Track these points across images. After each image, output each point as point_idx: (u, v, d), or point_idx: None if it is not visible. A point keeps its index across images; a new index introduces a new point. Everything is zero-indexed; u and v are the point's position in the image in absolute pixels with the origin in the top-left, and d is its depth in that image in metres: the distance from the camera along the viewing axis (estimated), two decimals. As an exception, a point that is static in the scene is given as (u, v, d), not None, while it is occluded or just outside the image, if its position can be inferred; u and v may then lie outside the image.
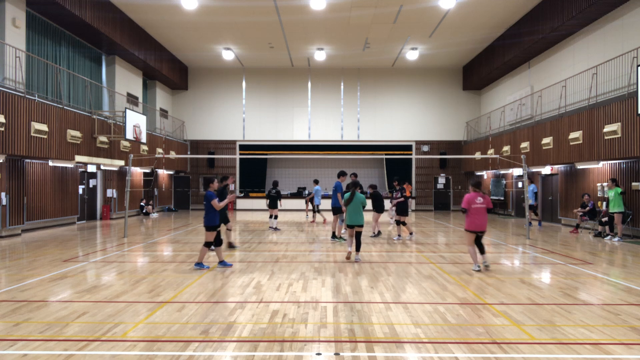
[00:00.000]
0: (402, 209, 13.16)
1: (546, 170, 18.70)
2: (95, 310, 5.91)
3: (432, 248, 11.72)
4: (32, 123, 13.04)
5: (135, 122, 17.87)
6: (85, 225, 17.24)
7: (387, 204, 19.99)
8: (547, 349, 4.60)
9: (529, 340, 4.81)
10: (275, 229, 15.97)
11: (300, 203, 25.98)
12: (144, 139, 18.77)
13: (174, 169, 25.91)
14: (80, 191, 18.24)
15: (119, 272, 8.47)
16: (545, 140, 17.03)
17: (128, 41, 19.61)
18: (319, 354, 4.45)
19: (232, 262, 9.36)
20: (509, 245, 12.37)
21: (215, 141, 27.81)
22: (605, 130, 13.48)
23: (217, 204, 8.48)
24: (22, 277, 7.95)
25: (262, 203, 25.16)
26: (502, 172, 23.44)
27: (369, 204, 11.68)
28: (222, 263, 8.90)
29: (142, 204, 22.40)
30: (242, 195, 27.13)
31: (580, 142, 14.85)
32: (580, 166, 15.71)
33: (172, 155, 20.62)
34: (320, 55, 24.62)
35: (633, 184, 13.82)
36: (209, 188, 8.77)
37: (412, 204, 26.67)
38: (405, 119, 27.72)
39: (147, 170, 23.42)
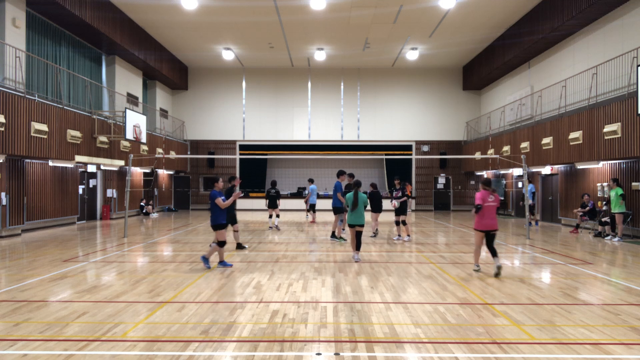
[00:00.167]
0: (402, 209, 13.10)
1: (546, 170, 18.70)
2: (95, 310, 5.91)
3: (432, 248, 11.72)
4: (32, 123, 13.04)
5: (135, 122, 17.87)
6: (85, 225, 17.24)
7: (388, 204, 19.97)
8: (547, 349, 4.60)
9: (529, 340, 4.81)
10: (277, 227, 16.00)
11: (300, 203, 25.96)
12: (144, 139, 18.77)
13: (174, 169, 25.91)
14: (80, 191, 18.24)
15: (119, 272, 8.47)
16: (545, 140, 17.03)
17: (128, 41, 19.61)
18: (319, 354, 4.45)
19: (232, 262, 9.36)
20: (509, 245, 12.37)
21: (215, 141, 27.81)
22: (605, 130, 13.48)
23: (221, 202, 8.50)
24: (22, 277, 7.95)
25: (262, 203, 25.15)
26: (502, 172, 23.45)
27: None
28: (222, 263, 8.90)
29: (142, 204, 22.40)
30: (242, 195, 27.13)
31: (580, 142, 14.85)
32: (580, 166, 15.70)
33: (172, 155, 20.62)
34: (320, 55, 24.62)
35: (633, 184, 13.82)
36: (214, 187, 8.77)
37: (412, 204, 26.68)
38: (405, 119, 27.72)
39: (147, 170, 23.42)
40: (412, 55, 24.45)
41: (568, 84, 17.07)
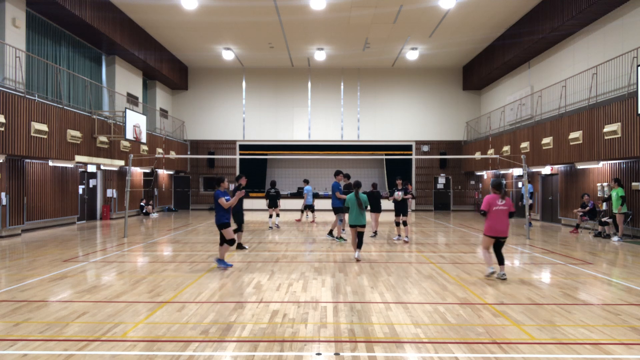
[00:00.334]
0: (403, 209, 13.01)
1: (546, 170, 18.71)
2: (95, 310, 5.91)
3: (432, 248, 11.72)
4: (32, 123, 13.05)
5: (135, 122, 17.87)
6: (85, 225, 17.24)
7: (388, 204, 19.96)
8: (547, 349, 4.60)
9: (529, 340, 4.81)
10: (277, 227, 16.06)
11: (300, 203, 25.93)
12: (144, 139, 18.77)
13: (174, 169, 25.91)
14: (80, 191, 18.24)
15: (119, 272, 8.47)
16: (545, 140, 17.03)
17: (128, 41, 19.61)
18: (319, 354, 4.45)
19: (232, 262, 9.36)
20: (508, 245, 12.36)
21: (215, 141, 27.81)
22: (605, 130, 13.48)
23: (224, 202, 8.50)
24: (22, 277, 7.95)
25: (262, 203, 25.15)
26: (502, 172, 23.45)
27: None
28: (221, 262, 8.88)
29: (142, 204, 22.40)
30: (244, 194, 27.11)
31: (580, 142, 14.85)
32: (580, 166, 15.70)
33: (172, 155, 20.62)
34: (320, 55, 24.62)
35: (633, 184, 13.82)
36: (219, 187, 8.77)
37: (412, 204, 26.67)
38: (405, 119, 27.72)
39: (147, 170, 23.42)
40: (412, 55, 24.45)
41: (568, 84, 17.07)
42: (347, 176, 13.28)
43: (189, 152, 27.59)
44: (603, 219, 13.90)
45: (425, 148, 27.63)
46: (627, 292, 6.96)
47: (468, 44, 23.19)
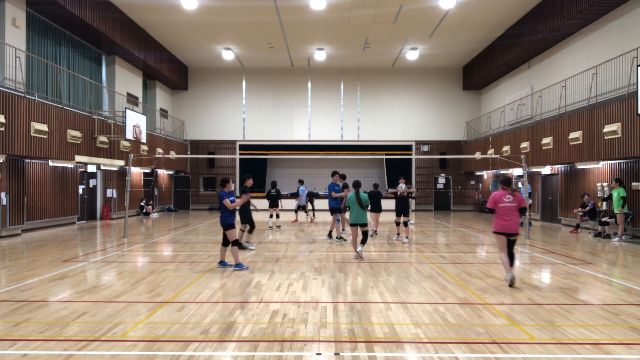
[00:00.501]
0: (404, 210, 12.96)
1: (546, 170, 18.71)
2: (95, 310, 5.91)
3: (432, 248, 11.72)
4: (32, 123, 13.05)
5: (135, 122, 17.87)
6: (85, 225, 17.24)
7: (388, 204, 19.98)
8: (547, 349, 4.59)
9: (529, 340, 4.81)
10: (277, 227, 16.15)
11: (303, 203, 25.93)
12: (144, 139, 18.77)
13: (174, 169, 25.91)
14: (80, 191, 18.24)
15: (119, 272, 8.47)
16: (545, 140, 17.03)
17: (128, 41, 19.61)
18: (319, 354, 4.45)
19: (231, 262, 9.35)
20: (509, 245, 12.35)
21: (215, 141, 27.81)
22: (605, 130, 13.48)
23: (229, 203, 8.50)
24: (22, 277, 7.95)
25: (262, 203, 25.14)
26: (502, 172, 23.43)
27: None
28: (222, 263, 8.90)
29: (142, 204, 22.40)
30: (250, 197, 27.12)
31: (580, 142, 14.85)
32: (580, 166, 15.71)
33: (172, 155, 20.62)
34: (320, 55, 24.62)
35: (633, 184, 13.82)
36: (223, 188, 8.76)
37: (412, 203, 26.67)
38: (405, 119, 27.72)
39: (147, 170, 23.42)
40: (412, 55, 24.45)
41: (568, 84, 17.07)
42: (343, 176, 13.33)
43: (189, 152, 27.59)
44: (603, 219, 13.90)
45: (425, 148, 27.63)
46: (627, 292, 6.96)
47: (468, 44, 23.19)
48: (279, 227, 16.47)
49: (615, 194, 13.03)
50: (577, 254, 10.76)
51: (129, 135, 17.23)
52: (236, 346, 4.64)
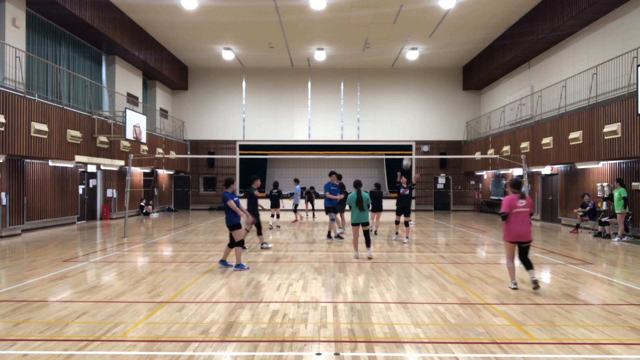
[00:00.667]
0: (405, 209, 12.93)
1: (546, 170, 18.71)
2: (95, 310, 5.91)
3: (432, 248, 11.72)
4: (32, 123, 13.04)
5: (135, 122, 17.87)
6: (85, 225, 17.24)
7: (388, 204, 19.97)
8: (547, 349, 4.59)
9: (529, 340, 4.81)
10: (278, 227, 16.27)
11: (299, 203, 25.94)
12: (144, 139, 18.77)
13: (174, 169, 25.91)
14: (80, 191, 18.24)
15: (119, 272, 8.47)
16: (545, 140, 17.03)
17: (128, 41, 19.61)
18: (319, 354, 4.45)
19: (232, 262, 9.35)
20: (509, 245, 12.35)
21: (215, 141, 27.81)
22: (605, 130, 13.48)
23: (232, 204, 8.49)
24: (22, 277, 7.95)
25: (263, 203, 25.15)
26: (502, 172, 23.45)
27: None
28: (223, 262, 8.88)
29: (142, 204, 22.40)
30: (242, 195, 27.14)
31: (580, 142, 14.85)
32: (580, 166, 15.71)
33: (172, 155, 20.62)
34: (320, 55, 24.62)
35: (633, 184, 13.82)
36: (227, 189, 8.76)
37: (412, 203, 26.65)
38: (405, 119, 27.72)
39: (147, 170, 23.42)
40: (412, 55, 24.45)
41: (568, 84, 17.07)
42: (339, 177, 13.43)
43: (189, 152, 27.59)
44: (603, 219, 13.89)
45: (425, 148, 27.63)
46: (627, 292, 6.96)
47: (468, 44, 23.19)
48: (278, 227, 16.51)
49: (616, 194, 13.01)
50: (577, 254, 10.76)
51: (129, 135, 17.23)
52: (236, 346, 4.64)
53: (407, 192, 12.80)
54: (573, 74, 16.99)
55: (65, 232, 15.13)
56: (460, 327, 5.26)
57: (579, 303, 6.33)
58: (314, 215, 21.60)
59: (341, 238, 12.88)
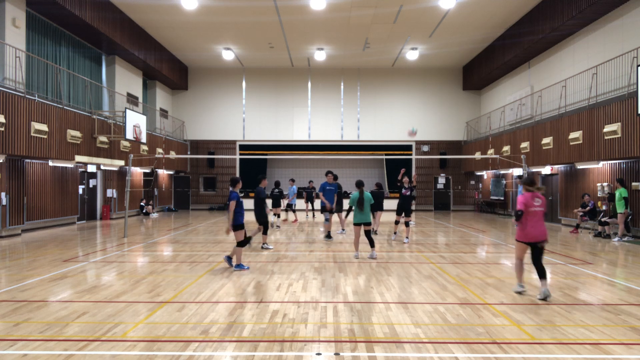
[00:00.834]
0: (406, 209, 12.93)
1: (546, 170, 18.71)
2: (95, 310, 5.91)
3: (432, 248, 11.71)
4: (32, 123, 13.05)
5: (135, 122, 17.87)
6: (85, 225, 17.24)
7: (389, 204, 19.97)
8: (547, 349, 4.59)
9: (529, 340, 4.81)
10: (277, 226, 16.30)
11: (300, 203, 25.95)
12: (144, 139, 18.77)
13: (174, 169, 25.91)
14: (80, 191, 18.24)
15: (119, 272, 8.47)
16: (545, 140, 17.03)
17: (128, 41, 19.61)
18: (319, 354, 4.45)
19: (245, 263, 9.31)
20: (509, 245, 12.37)
21: (215, 141, 27.81)
22: (605, 130, 13.48)
23: (231, 207, 8.46)
24: (22, 277, 7.95)
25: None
26: (502, 172, 23.45)
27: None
28: (229, 258, 8.82)
29: (142, 204, 22.40)
30: (242, 195, 27.15)
31: (580, 142, 14.85)
32: (580, 166, 15.71)
33: (172, 155, 20.62)
34: (320, 55, 24.62)
35: (633, 184, 13.82)
36: (234, 188, 8.74)
37: (412, 203, 26.65)
38: (405, 119, 27.71)
39: (147, 170, 23.42)
40: (412, 55, 24.45)
41: (568, 84, 17.07)
42: (336, 177, 13.52)
43: (189, 152, 27.59)
44: (603, 219, 13.89)
45: (425, 148, 27.63)
46: (627, 292, 6.96)
47: (468, 44, 23.19)
48: (278, 227, 16.52)
49: (617, 194, 13.01)
50: (577, 254, 10.76)
51: (129, 135, 17.23)
52: (236, 346, 4.64)
53: (409, 192, 12.84)
54: (573, 74, 16.99)
55: (65, 232, 15.13)
56: (460, 327, 5.26)
57: (579, 303, 6.32)
58: (314, 215, 21.58)
59: (330, 238, 12.96)
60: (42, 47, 16.20)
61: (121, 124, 18.33)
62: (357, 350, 4.51)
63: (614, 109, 13.23)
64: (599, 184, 15.39)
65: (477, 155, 20.57)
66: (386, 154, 27.03)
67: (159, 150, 22.47)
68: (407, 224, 12.73)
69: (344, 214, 12.39)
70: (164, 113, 26.23)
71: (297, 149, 27.56)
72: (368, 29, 21.02)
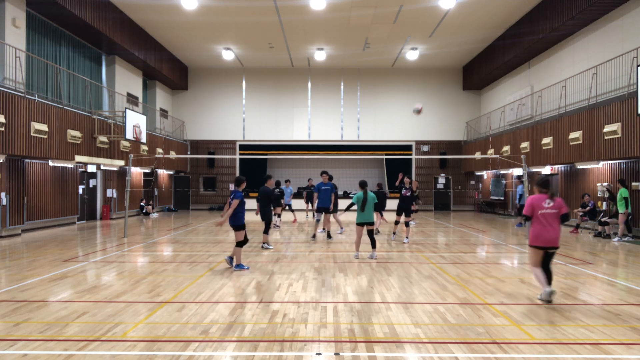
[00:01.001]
0: (407, 210, 12.94)
1: (546, 170, 18.70)
2: (95, 310, 5.90)
3: (432, 248, 11.71)
4: (32, 123, 13.04)
5: (135, 122, 17.87)
6: (85, 225, 17.24)
7: (390, 204, 19.95)
8: (547, 349, 4.59)
9: (529, 340, 4.81)
10: (277, 226, 16.31)
11: (300, 203, 25.95)
12: (144, 139, 18.77)
13: (174, 169, 25.91)
14: (80, 191, 18.24)
15: (119, 272, 8.47)
16: (545, 140, 17.03)
17: (128, 41, 19.61)
18: (319, 354, 4.45)
19: (243, 263, 9.31)
20: (509, 245, 12.37)
21: (215, 141, 27.81)
22: (605, 130, 13.48)
23: (233, 205, 8.46)
24: (22, 277, 7.95)
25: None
26: (502, 172, 23.45)
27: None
28: (230, 259, 8.82)
29: (142, 204, 22.40)
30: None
31: (580, 142, 14.85)
32: (580, 166, 15.70)
33: (172, 155, 20.62)
34: (320, 55, 24.62)
35: (633, 184, 13.82)
36: (238, 188, 8.73)
37: (413, 204, 26.64)
38: (405, 119, 27.72)
39: (147, 170, 23.42)
40: (412, 55, 24.45)
41: (568, 84, 17.07)
42: (330, 177, 13.58)
43: (189, 152, 27.59)
44: (603, 219, 13.89)
45: (425, 148, 27.63)
46: (627, 292, 6.96)
47: (468, 44, 23.19)
48: (278, 227, 16.53)
49: (618, 194, 12.99)
50: (577, 254, 10.76)
51: (129, 135, 17.23)
52: (236, 346, 4.64)
53: (409, 193, 12.90)
54: (573, 74, 16.99)
55: (65, 232, 15.13)
56: (460, 327, 5.26)
57: (579, 303, 6.32)
58: (314, 215, 21.55)
59: (313, 237, 13.08)
60: (42, 47, 16.20)
61: (121, 124, 18.33)
62: (357, 350, 4.51)
63: (614, 109, 13.23)
64: (599, 184, 15.39)
65: (477, 155, 20.57)
66: (386, 154, 27.02)
67: (159, 150, 22.47)
68: (407, 224, 12.73)
69: (339, 213, 12.42)
70: (164, 113, 26.23)
71: (297, 149, 27.56)
72: (368, 29, 21.02)
